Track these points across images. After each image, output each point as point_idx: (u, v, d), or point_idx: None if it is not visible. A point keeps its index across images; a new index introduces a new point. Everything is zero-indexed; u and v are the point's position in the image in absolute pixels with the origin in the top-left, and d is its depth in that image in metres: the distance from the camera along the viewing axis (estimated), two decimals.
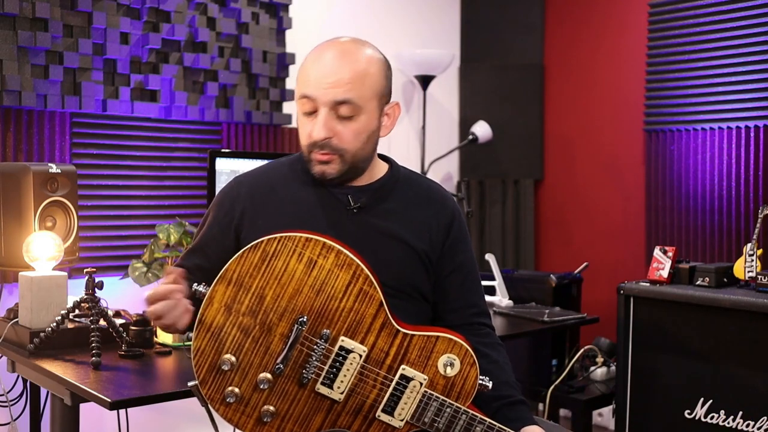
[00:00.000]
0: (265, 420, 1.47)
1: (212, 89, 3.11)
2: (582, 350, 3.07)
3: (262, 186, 1.70)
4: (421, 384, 1.49)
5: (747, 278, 2.56)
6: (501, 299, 3.06)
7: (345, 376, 1.48)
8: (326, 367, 1.47)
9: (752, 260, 2.55)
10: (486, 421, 1.48)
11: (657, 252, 2.72)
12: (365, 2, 3.78)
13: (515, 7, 4.17)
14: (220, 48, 3.15)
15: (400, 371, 1.49)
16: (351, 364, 1.47)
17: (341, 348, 1.48)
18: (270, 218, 1.65)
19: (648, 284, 2.70)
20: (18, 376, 2.50)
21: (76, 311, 2.13)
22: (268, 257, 1.47)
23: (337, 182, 1.65)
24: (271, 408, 1.47)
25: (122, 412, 2.50)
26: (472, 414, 1.49)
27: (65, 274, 2.21)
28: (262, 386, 1.46)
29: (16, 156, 2.65)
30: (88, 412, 2.11)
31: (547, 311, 2.90)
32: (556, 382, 3.00)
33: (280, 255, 1.48)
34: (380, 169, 1.72)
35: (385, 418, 1.48)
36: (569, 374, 3.05)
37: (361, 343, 1.48)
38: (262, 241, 1.48)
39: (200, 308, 1.47)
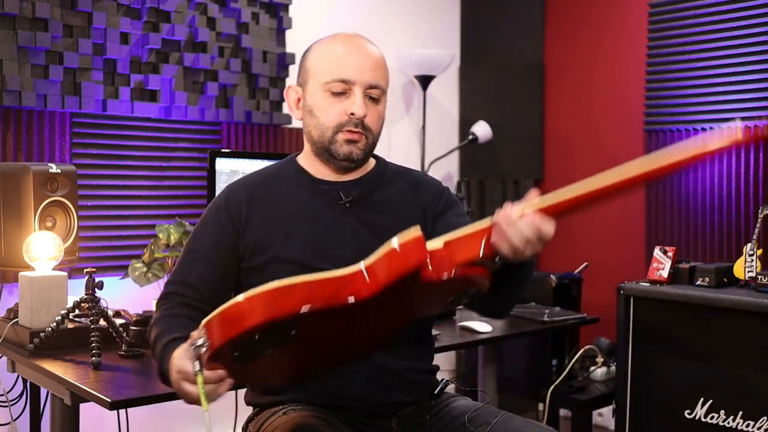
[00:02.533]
0: None
1: (212, 89, 3.11)
2: (582, 350, 3.07)
3: (258, 188, 1.72)
4: None
5: (747, 278, 2.56)
6: None
7: None
8: None
9: (752, 260, 2.55)
10: None
11: (657, 252, 2.72)
12: (365, 2, 3.78)
13: (515, 7, 4.16)
14: (220, 48, 3.15)
15: None
16: None
17: None
18: (267, 219, 1.67)
19: (648, 284, 2.70)
20: (18, 376, 2.50)
21: (76, 311, 2.12)
22: None
23: (346, 169, 1.69)
24: None
25: (122, 412, 2.50)
26: None
27: (65, 274, 2.21)
28: None
29: (16, 156, 2.65)
30: (88, 412, 2.11)
31: (547, 311, 2.90)
32: (556, 382, 3.00)
33: None
34: (369, 163, 1.78)
35: None
36: (569, 374, 3.05)
37: None
38: None
39: None
